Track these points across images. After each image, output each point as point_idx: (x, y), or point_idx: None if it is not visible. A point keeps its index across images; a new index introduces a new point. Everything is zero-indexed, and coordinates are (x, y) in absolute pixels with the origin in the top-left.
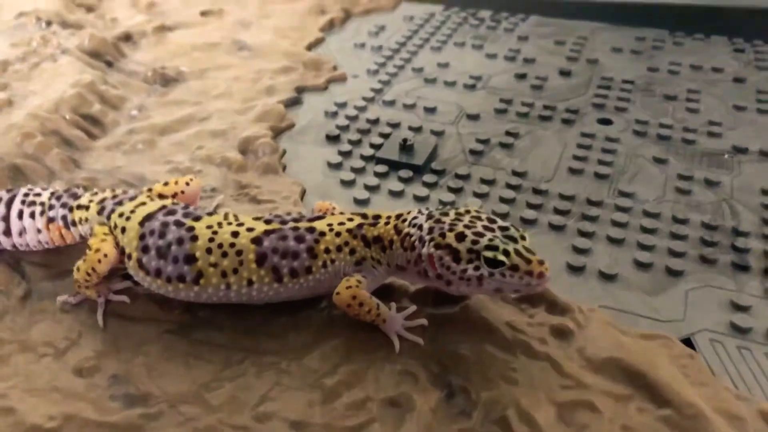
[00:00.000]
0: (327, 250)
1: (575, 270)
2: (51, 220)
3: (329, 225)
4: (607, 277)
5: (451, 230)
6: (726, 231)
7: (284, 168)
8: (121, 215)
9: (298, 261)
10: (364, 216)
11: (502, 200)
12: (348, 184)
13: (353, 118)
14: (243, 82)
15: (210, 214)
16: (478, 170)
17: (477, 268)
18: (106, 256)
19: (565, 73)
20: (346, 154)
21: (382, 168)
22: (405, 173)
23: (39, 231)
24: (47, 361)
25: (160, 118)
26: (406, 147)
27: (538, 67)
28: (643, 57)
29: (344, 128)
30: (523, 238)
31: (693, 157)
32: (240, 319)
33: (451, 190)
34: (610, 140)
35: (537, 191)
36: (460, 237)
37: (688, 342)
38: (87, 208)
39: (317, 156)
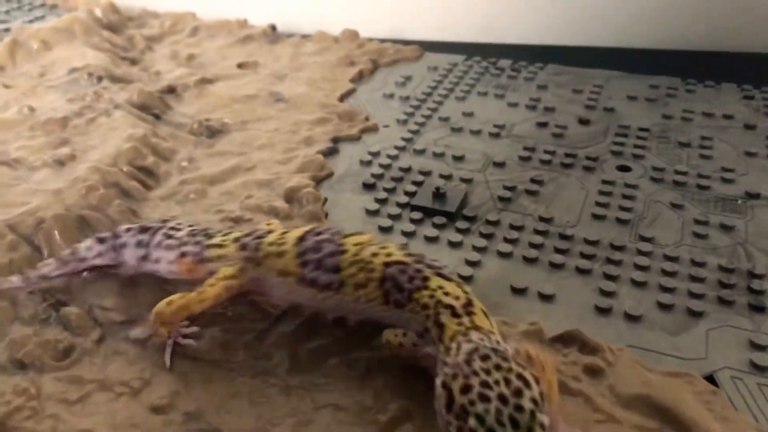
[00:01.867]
0: (425, 306)
1: (602, 311)
2: (183, 255)
3: (441, 287)
4: (633, 318)
5: (464, 378)
6: (742, 273)
7: (326, 215)
8: (271, 244)
9: (401, 295)
10: (468, 305)
11: (531, 245)
12: (386, 230)
13: (387, 167)
14: (282, 134)
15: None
16: (506, 216)
17: (460, 429)
18: (203, 301)
19: (584, 122)
20: (382, 202)
21: (417, 215)
22: (439, 219)
23: (171, 262)
24: (125, 399)
25: (209, 168)
26: (438, 194)
27: (558, 116)
28: (657, 104)
29: (379, 176)
30: (530, 430)
31: (708, 202)
32: (295, 359)
33: (482, 236)
34: (630, 186)
35: (563, 236)
36: (465, 389)
37: (710, 379)
38: (221, 246)
39: (356, 203)
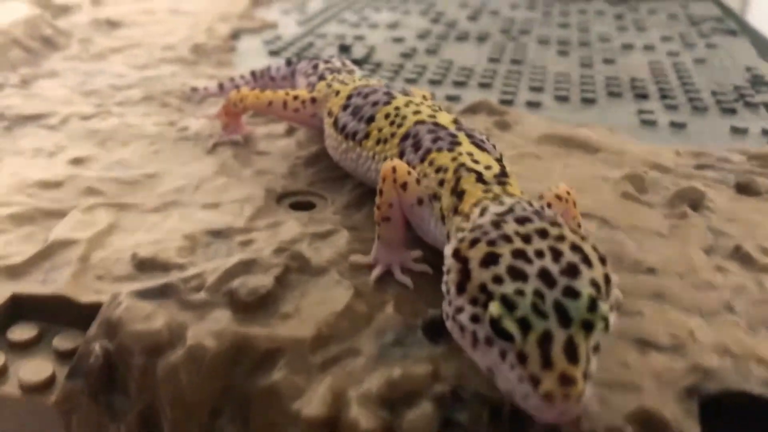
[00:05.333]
0: (441, 168)
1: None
2: (310, 84)
3: (470, 153)
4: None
5: (489, 244)
6: None
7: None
8: (340, 82)
9: (415, 155)
10: (501, 175)
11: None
12: None
13: (290, 43)
14: (184, 27)
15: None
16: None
17: (475, 319)
18: (259, 98)
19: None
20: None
21: None
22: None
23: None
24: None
25: (110, 43)
26: (343, 48)
27: None
28: None
29: (283, 49)
30: (588, 326)
31: None
32: None
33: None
34: None
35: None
36: (490, 259)
37: None
38: (326, 79)
39: (261, 63)
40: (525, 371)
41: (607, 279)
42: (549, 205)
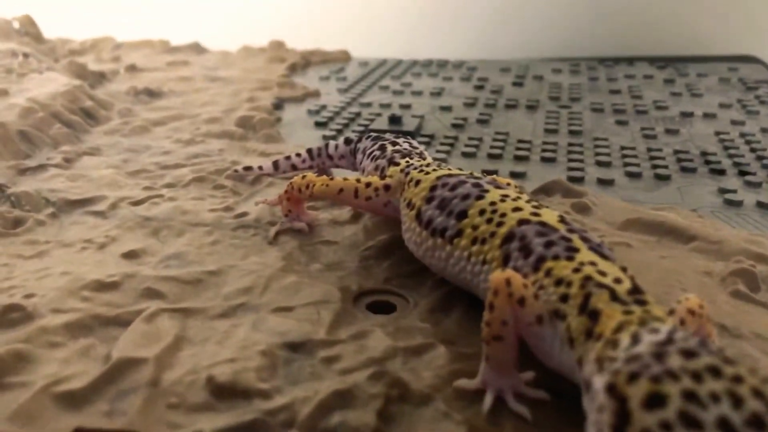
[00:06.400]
0: (562, 282)
1: (575, 180)
2: (377, 168)
3: (593, 263)
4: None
5: (653, 381)
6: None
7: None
8: (419, 171)
9: (525, 261)
10: (636, 292)
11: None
12: None
13: (336, 113)
14: (224, 96)
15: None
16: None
17: None
18: (328, 185)
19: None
20: (335, 136)
21: None
22: None
23: (368, 172)
24: (89, 252)
25: (149, 114)
26: (394, 120)
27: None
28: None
29: (330, 119)
30: None
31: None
32: None
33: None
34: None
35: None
36: (655, 400)
37: None
38: (398, 164)
39: (310, 136)
40: None
41: None
42: (682, 322)
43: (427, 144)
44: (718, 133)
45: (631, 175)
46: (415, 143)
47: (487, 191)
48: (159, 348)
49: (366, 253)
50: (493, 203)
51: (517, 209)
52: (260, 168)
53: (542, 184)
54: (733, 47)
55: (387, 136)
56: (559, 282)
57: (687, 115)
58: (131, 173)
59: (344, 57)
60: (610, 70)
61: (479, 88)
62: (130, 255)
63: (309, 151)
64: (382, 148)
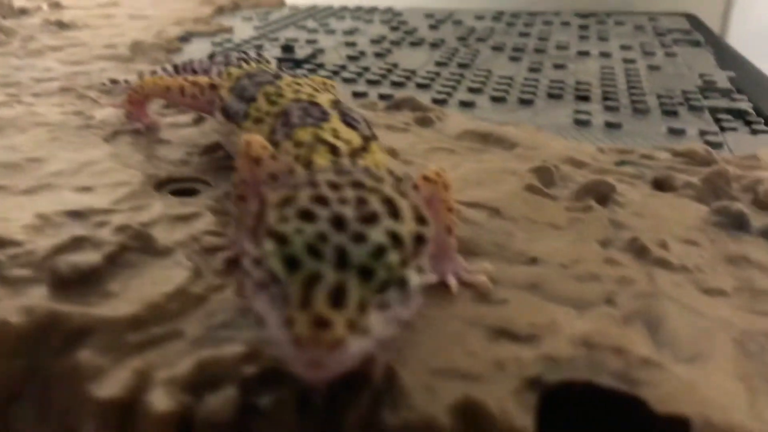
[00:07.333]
0: (299, 143)
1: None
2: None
3: (335, 129)
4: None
5: (292, 188)
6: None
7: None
8: (231, 71)
9: (283, 130)
10: (361, 150)
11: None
12: None
13: (238, 45)
14: (135, 30)
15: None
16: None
17: (257, 263)
18: (157, 84)
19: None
20: None
21: None
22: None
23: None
24: None
25: (53, 42)
26: (287, 48)
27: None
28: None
29: (229, 50)
30: (367, 273)
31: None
32: None
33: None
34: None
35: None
36: (285, 201)
37: None
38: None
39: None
40: (287, 311)
41: (420, 239)
42: (415, 188)
43: (311, 70)
44: (603, 68)
45: (495, 99)
46: (268, 57)
47: (279, 78)
48: None
49: (192, 150)
50: (278, 88)
51: (296, 92)
52: (126, 81)
53: (393, 101)
54: (679, 5)
55: (250, 54)
56: (298, 144)
57: (583, 53)
58: (4, 84)
59: (277, 3)
60: (533, 18)
61: (394, 29)
62: None
63: (174, 65)
64: (227, 56)
